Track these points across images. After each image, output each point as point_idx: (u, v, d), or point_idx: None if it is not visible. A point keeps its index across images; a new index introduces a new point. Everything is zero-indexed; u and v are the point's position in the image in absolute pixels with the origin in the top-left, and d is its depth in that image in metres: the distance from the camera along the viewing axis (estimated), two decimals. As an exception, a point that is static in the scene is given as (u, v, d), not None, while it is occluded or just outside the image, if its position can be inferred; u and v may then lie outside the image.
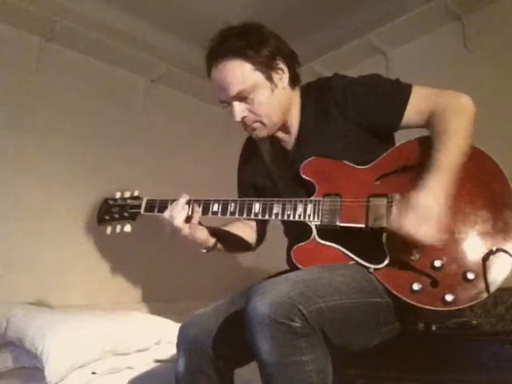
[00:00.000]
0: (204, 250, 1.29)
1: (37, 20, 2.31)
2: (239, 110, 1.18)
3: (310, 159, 1.19)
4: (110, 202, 1.36)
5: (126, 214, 1.32)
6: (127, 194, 1.36)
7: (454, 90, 1.14)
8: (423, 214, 0.96)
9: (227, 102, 1.20)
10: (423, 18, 2.40)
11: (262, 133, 1.23)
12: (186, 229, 1.20)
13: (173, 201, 1.25)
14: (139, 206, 1.31)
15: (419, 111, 1.13)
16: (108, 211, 1.35)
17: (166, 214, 1.21)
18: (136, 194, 1.35)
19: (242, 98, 1.17)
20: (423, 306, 1.00)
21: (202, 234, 1.24)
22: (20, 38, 2.36)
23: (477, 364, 1.27)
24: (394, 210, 1.02)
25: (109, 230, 1.35)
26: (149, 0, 2.55)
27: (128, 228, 1.33)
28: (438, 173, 1.00)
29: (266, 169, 1.34)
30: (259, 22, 1.23)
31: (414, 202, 0.98)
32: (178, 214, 1.19)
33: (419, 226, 0.96)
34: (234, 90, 1.15)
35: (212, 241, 1.27)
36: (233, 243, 1.37)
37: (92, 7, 2.53)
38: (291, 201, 1.16)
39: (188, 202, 1.22)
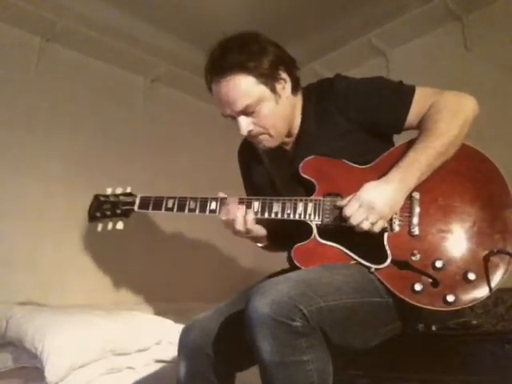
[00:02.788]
0: (260, 245, 1.30)
1: (37, 20, 2.31)
2: (245, 124, 1.18)
3: (309, 158, 1.19)
4: (101, 199, 1.33)
5: (118, 211, 1.30)
6: (119, 191, 1.34)
7: (455, 90, 1.14)
8: (368, 205, 1.03)
9: (232, 116, 1.20)
10: (423, 17, 2.40)
11: (269, 144, 1.23)
12: (245, 228, 1.17)
13: (168, 198, 1.24)
14: (133, 203, 1.29)
15: (420, 112, 1.14)
16: (99, 208, 1.32)
17: (223, 216, 1.17)
18: (128, 190, 1.33)
19: (247, 112, 1.16)
20: (425, 307, 1.01)
21: (261, 230, 1.23)
22: (20, 38, 2.36)
23: (477, 364, 1.27)
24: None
25: (100, 227, 1.33)
26: (149, 0, 2.55)
27: (120, 225, 1.31)
28: (398, 170, 1.06)
29: (264, 169, 1.34)
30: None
31: (361, 193, 1.04)
32: (236, 215, 1.15)
33: (362, 216, 1.03)
34: (240, 104, 1.15)
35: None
36: (277, 239, 1.35)
37: (92, 7, 2.53)
38: (291, 200, 1.16)
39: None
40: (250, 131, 1.19)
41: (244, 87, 1.14)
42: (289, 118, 1.23)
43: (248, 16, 2.53)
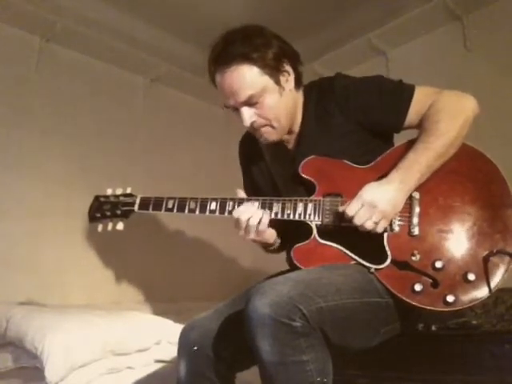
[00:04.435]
0: (271, 247, 1.29)
1: (37, 20, 2.31)
2: (248, 115, 1.18)
3: (309, 158, 1.19)
4: (102, 199, 1.33)
5: (118, 212, 1.30)
6: (119, 191, 1.33)
7: (455, 90, 1.14)
8: (370, 205, 1.02)
9: (235, 108, 1.19)
10: (423, 18, 2.40)
11: (271, 137, 1.23)
12: (257, 231, 1.15)
13: (168, 198, 1.24)
14: (133, 204, 1.29)
15: (420, 111, 1.13)
16: (99, 209, 1.32)
17: (242, 216, 1.13)
18: (128, 191, 1.33)
19: (251, 102, 1.16)
20: (424, 307, 1.01)
21: (272, 234, 1.23)
22: (20, 38, 2.36)
23: (477, 364, 1.27)
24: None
25: (100, 227, 1.33)
26: (149, 0, 2.55)
27: (120, 226, 1.31)
28: (399, 171, 1.05)
29: (266, 167, 1.34)
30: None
31: (362, 193, 1.04)
32: (252, 216, 1.13)
33: (366, 216, 1.03)
34: (244, 95, 1.15)
35: (277, 240, 1.26)
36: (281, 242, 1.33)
37: (92, 7, 2.53)
38: (291, 200, 1.16)
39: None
40: (252, 122, 1.19)
41: (248, 77, 1.14)
42: (291, 112, 1.23)
43: (248, 16, 2.51)
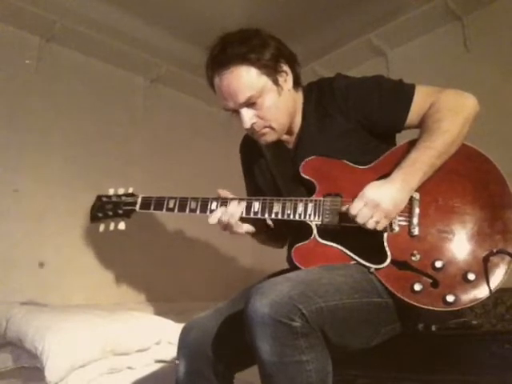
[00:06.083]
0: (260, 235, 1.32)
1: (37, 20, 2.32)
2: (248, 116, 1.17)
3: (309, 158, 1.19)
4: (104, 199, 1.33)
5: (120, 212, 1.30)
6: (121, 191, 1.34)
7: (455, 89, 1.14)
8: (372, 203, 1.02)
9: (234, 110, 1.19)
10: (423, 18, 2.41)
11: (271, 137, 1.23)
12: (240, 225, 1.20)
13: (169, 198, 1.25)
14: (134, 203, 1.29)
15: (421, 111, 1.13)
16: (101, 208, 1.32)
17: (226, 213, 1.18)
18: (130, 190, 1.33)
19: (250, 104, 1.16)
20: (424, 307, 1.01)
21: (249, 227, 1.25)
22: (20, 38, 2.36)
23: (477, 364, 1.27)
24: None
25: (102, 227, 1.33)
26: (149, 0, 2.55)
27: (122, 226, 1.31)
28: (401, 171, 1.05)
29: (267, 168, 1.34)
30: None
31: (365, 192, 1.04)
32: (235, 212, 1.17)
33: (368, 215, 1.03)
34: (243, 96, 1.14)
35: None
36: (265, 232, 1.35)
37: (92, 7, 2.53)
38: (291, 200, 1.16)
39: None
40: (252, 124, 1.19)
41: (247, 78, 1.14)
42: (290, 112, 1.23)
43: (248, 16, 2.53)
